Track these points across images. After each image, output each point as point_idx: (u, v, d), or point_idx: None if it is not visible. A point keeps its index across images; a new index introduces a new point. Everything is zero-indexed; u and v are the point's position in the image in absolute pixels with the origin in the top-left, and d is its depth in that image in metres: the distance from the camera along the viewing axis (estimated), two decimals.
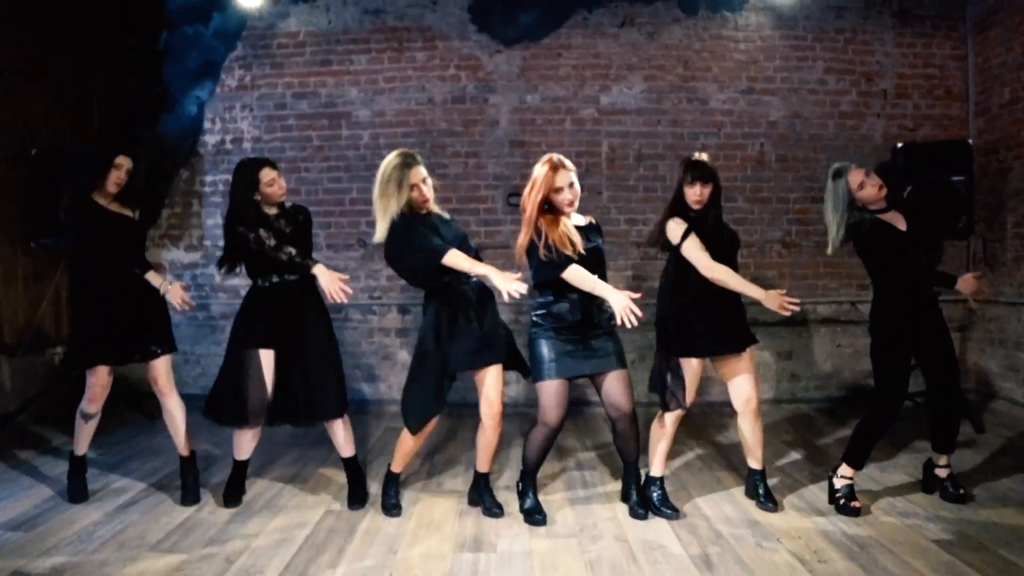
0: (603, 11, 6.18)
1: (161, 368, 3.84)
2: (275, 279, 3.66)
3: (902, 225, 3.63)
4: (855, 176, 3.61)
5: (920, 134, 6.15)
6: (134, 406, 5.51)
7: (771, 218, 6.18)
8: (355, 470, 3.85)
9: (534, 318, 3.47)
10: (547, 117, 6.20)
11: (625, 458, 3.64)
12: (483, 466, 3.69)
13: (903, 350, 3.62)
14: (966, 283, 3.69)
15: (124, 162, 3.79)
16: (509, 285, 3.15)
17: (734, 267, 3.55)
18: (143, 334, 3.80)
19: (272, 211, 3.72)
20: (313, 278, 3.57)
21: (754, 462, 3.74)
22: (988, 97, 6.03)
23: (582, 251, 3.33)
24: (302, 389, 3.63)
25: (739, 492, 3.88)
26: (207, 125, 6.35)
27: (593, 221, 3.63)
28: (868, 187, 3.59)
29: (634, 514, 3.56)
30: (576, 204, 3.40)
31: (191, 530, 3.40)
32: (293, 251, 3.55)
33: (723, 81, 6.19)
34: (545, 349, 3.39)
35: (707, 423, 5.43)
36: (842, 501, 3.56)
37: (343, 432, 3.79)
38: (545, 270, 3.31)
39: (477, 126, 6.19)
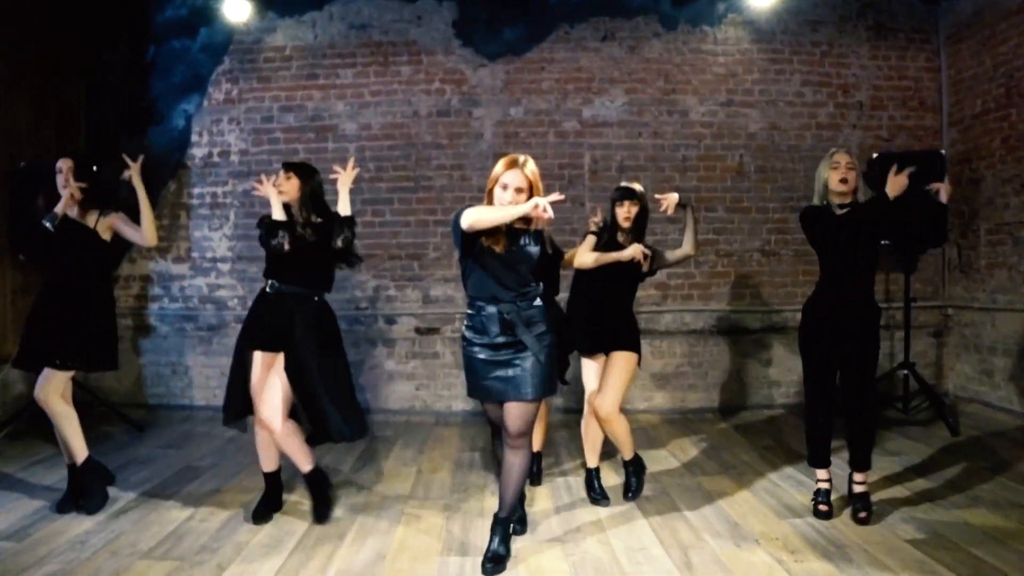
0: (585, 26, 6.30)
1: (51, 377, 3.71)
2: (276, 286, 3.68)
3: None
4: (840, 157, 3.49)
5: (895, 144, 6.29)
6: (121, 417, 5.52)
7: (751, 227, 6.30)
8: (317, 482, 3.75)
9: (463, 329, 3.25)
10: (530, 130, 6.30)
11: (502, 497, 3.23)
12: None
13: (820, 344, 3.60)
14: (894, 183, 3.41)
15: (62, 164, 3.76)
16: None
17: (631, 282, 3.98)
18: (49, 342, 3.71)
19: (301, 216, 3.67)
20: (310, 297, 3.65)
21: (591, 460, 4.05)
22: (961, 108, 6.19)
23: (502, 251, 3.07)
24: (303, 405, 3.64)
25: (718, 496, 3.98)
26: (194, 138, 6.42)
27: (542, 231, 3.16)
28: (837, 171, 3.48)
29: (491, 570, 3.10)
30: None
31: (182, 537, 3.45)
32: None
33: (703, 94, 6.32)
34: (467, 365, 3.21)
35: (687, 430, 5.53)
36: (812, 504, 3.68)
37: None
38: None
39: (462, 139, 6.29)
